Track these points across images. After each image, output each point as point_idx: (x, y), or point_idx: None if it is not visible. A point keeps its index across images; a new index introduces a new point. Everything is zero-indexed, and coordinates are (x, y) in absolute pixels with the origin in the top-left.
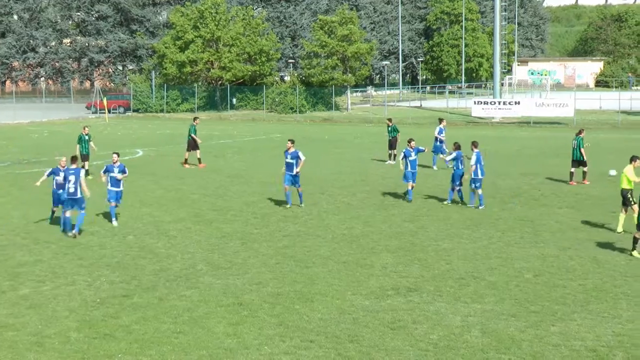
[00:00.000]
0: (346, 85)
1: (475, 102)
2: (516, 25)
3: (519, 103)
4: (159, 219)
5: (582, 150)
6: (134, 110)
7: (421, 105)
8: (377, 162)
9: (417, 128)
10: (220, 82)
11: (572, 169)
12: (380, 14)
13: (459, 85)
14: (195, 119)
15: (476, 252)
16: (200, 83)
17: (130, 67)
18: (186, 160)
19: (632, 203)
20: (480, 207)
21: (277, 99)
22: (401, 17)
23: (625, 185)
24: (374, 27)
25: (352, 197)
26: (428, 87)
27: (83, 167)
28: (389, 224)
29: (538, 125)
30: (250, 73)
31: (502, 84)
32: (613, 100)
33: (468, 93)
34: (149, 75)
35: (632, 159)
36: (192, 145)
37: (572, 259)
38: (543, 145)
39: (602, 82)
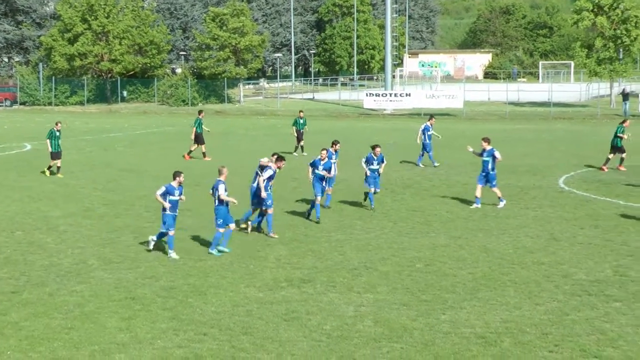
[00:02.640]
0: (238, 78)
1: (367, 94)
2: (407, 18)
3: (410, 95)
4: (48, 214)
5: (620, 135)
6: (21, 104)
7: (314, 97)
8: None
9: (310, 120)
10: (110, 74)
11: (610, 155)
12: (272, 6)
13: (351, 77)
14: (200, 112)
15: (369, 243)
16: (90, 76)
17: (17, 59)
18: (190, 152)
19: None
20: None
21: (168, 92)
22: (293, 9)
23: None
24: (266, 20)
25: (247, 189)
26: (320, 80)
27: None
28: (283, 216)
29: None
30: (141, 65)
31: (393, 76)
32: (501, 91)
33: (360, 85)
34: (37, 67)
35: None
36: (199, 139)
37: (462, 248)
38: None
39: (490, 74)
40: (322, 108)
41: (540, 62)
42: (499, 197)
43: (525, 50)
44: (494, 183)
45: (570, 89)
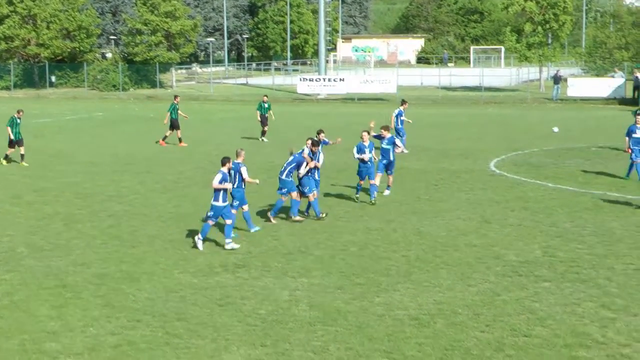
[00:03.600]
0: (171, 63)
1: (300, 79)
2: (340, 2)
3: (343, 80)
4: None
5: None
6: None
7: (247, 82)
8: (243, 139)
9: (243, 105)
10: (38, 59)
11: None
12: None
13: (285, 62)
14: (175, 97)
15: (303, 228)
16: (16, 60)
17: None
18: (166, 137)
19: None
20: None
21: (98, 77)
22: None
23: None
24: (198, 4)
25: (179, 175)
26: (254, 64)
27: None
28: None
29: (362, 102)
30: (69, 50)
31: (327, 61)
32: (434, 76)
33: (294, 70)
34: None
35: None
36: (174, 124)
37: (396, 231)
38: (367, 121)
39: (423, 59)
40: (255, 93)
41: (472, 47)
42: (389, 185)
43: (457, 35)
44: (392, 171)
45: (501, 74)
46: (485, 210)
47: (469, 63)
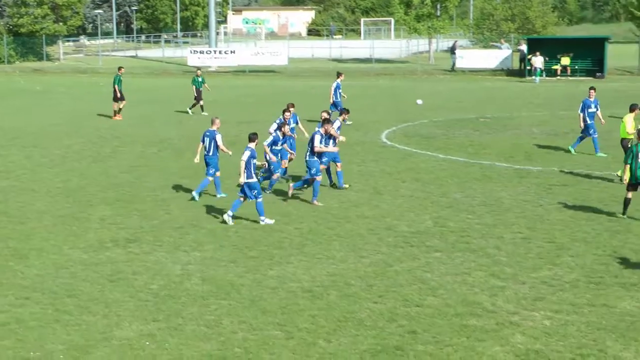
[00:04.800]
0: (58, 35)
1: (191, 52)
2: None
3: (234, 52)
4: None
5: None
6: None
7: (137, 55)
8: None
9: (133, 78)
10: None
11: None
12: None
13: (175, 34)
14: (119, 68)
15: (195, 201)
16: None
17: None
18: (115, 112)
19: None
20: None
21: None
22: None
23: (624, 134)
24: None
25: (67, 149)
26: (143, 37)
27: None
28: (106, 176)
29: (254, 74)
30: None
31: (217, 33)
32: (324, 48)
33: (184, 42)
34: None
35: (632, 108)
36: (118, 96)
37: (289, 204)
38: (259, 93)
39: (314, 31)
40: (145, 66)
41: (362, 19)
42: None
43: (347, 7)
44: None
45: (391, 46)
46: (377, 181)
47: (360, 35)
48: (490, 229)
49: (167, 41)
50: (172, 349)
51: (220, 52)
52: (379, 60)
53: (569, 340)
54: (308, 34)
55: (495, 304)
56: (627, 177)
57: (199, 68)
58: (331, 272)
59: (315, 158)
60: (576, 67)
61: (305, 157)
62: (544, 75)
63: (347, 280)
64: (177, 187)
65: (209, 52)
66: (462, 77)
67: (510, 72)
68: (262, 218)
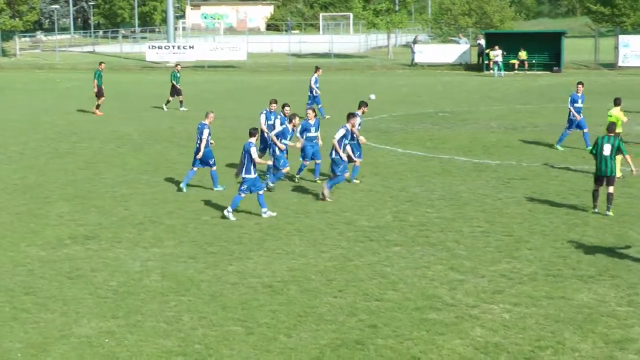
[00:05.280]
0: (14, 31)
1: (149, 47)
2: None
3: (193, 47)
4: None
5: None
6: None
7: (94, 50)
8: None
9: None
10: None
11: None
12: None
13: (133, 29)
14: (100, 63)
15: (154, 197)
16: None
17: None
18: (98, 106)
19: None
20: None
21: None
22: None
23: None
24: None
25: (24, 145)
26: (101, 32)
27: None
28: (64, 172)
29: (213, 69)
30: None
31: (175, 28)
32: (284, 43)
33: (142, 37)
34: None
35: (618, 102)
36: (96, 90)
37: (248, 199)
38: (219, 88)
39: (273, 26)
40: (103, 61)
41: (321, 14)
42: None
43: (306, 2)
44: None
45: (350, 41)
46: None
47: (319, 30)
48: (450, 222)
49: (124, 37)
50: (131, 346)
51: (178, 47)
52: (338, 55)
53: (528, 333)
54: (267, 29)
55: (455, 298)
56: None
57: (178, 63)
58: (291, 267)
59: (340, 156)
60: (533, 61)
61: (331, 155)
62: (497, 69)
63: (307, 275)
64: (136, 183)
65: (167, 47)
66: (421, 71)
67: (469, 67)
68: (265, 210)
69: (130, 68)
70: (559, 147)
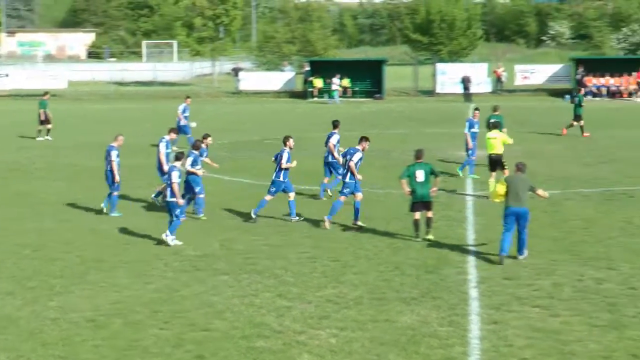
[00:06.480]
0: None
1: None
2: None
3: (8, 75)
4: None
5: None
6: None
7: None
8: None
9: None
10: None
11: (574, 122)
12: None
13: None
14: (45, 94)
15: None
16: None
17: None
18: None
19: (505, 167)
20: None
21: None
22: None
23: (498, 150)
24: None
25: None
26: None
27: None
28: None
29: (31, 98)
30: None
31: None
32: (106, 71)
33: None
34: None
35: (496, 125)
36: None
37: (70, 231)
38: (28, 119)
39: (94, 54)
40: None
41: (144, 42)
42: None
43: (127, 29)
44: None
45: (175, 68)
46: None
47: (142, 58)
48: (277, 249)
49: None
50: None
51: None
52: (162, 83)
53: (354, 357)
54: (88, 57)
55: (283, 324)
56: (495, 194)
57: (47, 92)
58: (115, 300)
59: (353, 180)
60: (356, 88)
61: (344, 179)
62: (329, 97)
63: (132, 307)
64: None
65: None
66: (247, 99)
67: (294, 94)
68: (172, 237)
69: None
70: (460, 172)
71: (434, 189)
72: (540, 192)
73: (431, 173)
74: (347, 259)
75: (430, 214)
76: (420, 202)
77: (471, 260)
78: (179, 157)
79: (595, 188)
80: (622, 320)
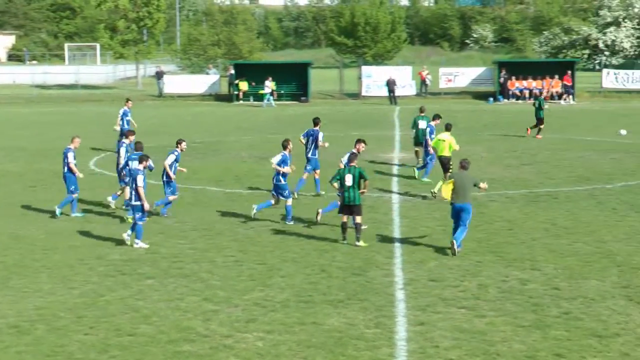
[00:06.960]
0: None
1: None
2: None
3: None
4: None
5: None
6: None
7: None
8: None
9: None
10: None
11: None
12: None
13: None
14: None
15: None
16: None
17: None
18: None
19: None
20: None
21: None
22: None
23: (447, 152)
24: None
25: None
26: None
27: None
28: None
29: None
30: None
31: None
32: (27, 74)
33: None
34: None
35: (449, 127)
36: None
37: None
38: None
39: (14, 57)
40: None
41: (66, 44)
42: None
43: (49, 32)
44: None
45: (98, 71)
46: (88, 209)
47: (64, 60)
48: (203, 253)
49: None
50: None
51: None
52: (85, 86)
53: None
54: (9, 60)
55: (209, 328)
56: (445, 193)
57: None
58: (39, 306)
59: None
60: (282, 91)
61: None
62: (263, 99)
63: (55, 313)
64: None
65: None
66: (171, 102)
67: (219, 97)
68: (137, 241)
69: None
70: (425, 179)
71: (363, 191)
72: (482, 185)
73: (360, 177)
74: (274, 262)
75: (359, 219)
76: (348, 206)
77: (397, 262)
78: (142, 160)
79: (519, 190)
80: (546, 320)
